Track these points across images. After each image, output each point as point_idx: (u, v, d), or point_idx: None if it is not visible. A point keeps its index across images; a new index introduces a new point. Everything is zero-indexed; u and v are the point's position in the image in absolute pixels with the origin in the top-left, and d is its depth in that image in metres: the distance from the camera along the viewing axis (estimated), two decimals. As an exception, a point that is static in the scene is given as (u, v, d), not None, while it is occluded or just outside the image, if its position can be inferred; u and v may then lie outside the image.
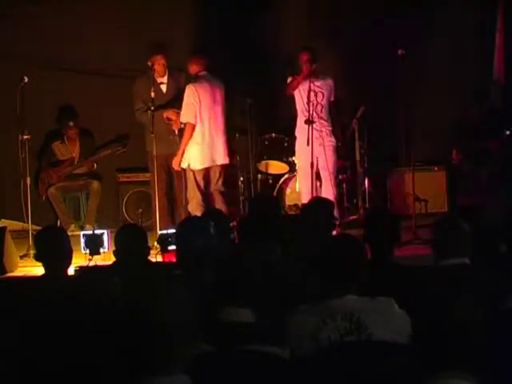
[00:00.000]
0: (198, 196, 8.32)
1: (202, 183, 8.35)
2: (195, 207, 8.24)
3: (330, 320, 3.52)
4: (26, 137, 8.44)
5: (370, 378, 3.24)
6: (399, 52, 8.13)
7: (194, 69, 8.34)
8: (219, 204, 8.34)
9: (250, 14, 9.76)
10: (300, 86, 8.31)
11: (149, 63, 8.54)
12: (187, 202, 8.42)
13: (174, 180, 8.72)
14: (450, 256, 4.32)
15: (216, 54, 8.89)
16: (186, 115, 8.29)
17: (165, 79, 8.73)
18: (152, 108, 8.33)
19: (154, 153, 8.35)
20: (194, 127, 8.27)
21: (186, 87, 8.30)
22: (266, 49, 9.83)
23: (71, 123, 9.48)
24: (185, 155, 8.31)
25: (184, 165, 8.34)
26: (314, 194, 8.16)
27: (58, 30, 9.69)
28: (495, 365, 2.98)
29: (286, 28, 9.84)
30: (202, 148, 8.30)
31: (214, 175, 8.44)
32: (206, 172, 8.40)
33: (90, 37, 9.66)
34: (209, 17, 9.83)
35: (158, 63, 8.60)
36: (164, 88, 8.74)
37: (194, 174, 8.35)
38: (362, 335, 3.50)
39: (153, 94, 8.32)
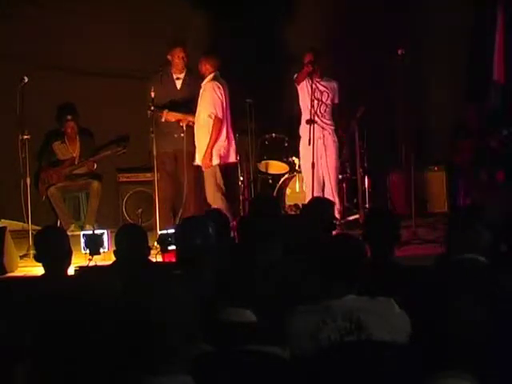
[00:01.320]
0: (223, 190, 8.28)
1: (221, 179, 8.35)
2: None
3: (330, 320, 3.52)
4: (26, 137, 8.43)
5: (370, 378, 3.24)
6: (399, 52, 8.13)
7: (207, 68, 8.31)
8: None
9: (250, 14, 9.75)
10: (306, 85, 8.30)
11: (168, 57, 8.50)
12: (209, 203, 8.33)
13: (183, 178, 8.52)
14: (461, 252, 4.29)
15: (216, 54, 8.88)
16: (212, 108, 8.21)
17: (182, 75, 8.62)
18: (152, 108, 8.30)
19: (154, 152, 8.34)
20: (222, 122, 8.25)
21: (210, 84, 8.24)
22: (266, 49, 9.82)
23: (69, 117, 9.49)
24: (213, 152, 8.25)
25: (215, 162, 8.27)
26: (319, 194, 8.18)
27: (58, 30, 9.69)
28: (495, 365, 2.98)
29: (287, 28, 9.83)
30: (227, 142, 8.30)
31: (225, 172, 8.47)
32: (223, 167, 8.41)
33: (90, 37, 9.66)
34: (209, 17, 9.83)
35: (178, 56, 8.52)
36: (179, 84, 8.63)
37: (216, 171, 8.28)
38: (362, 335, 3.50)
39: (153, 94, 8.26)
